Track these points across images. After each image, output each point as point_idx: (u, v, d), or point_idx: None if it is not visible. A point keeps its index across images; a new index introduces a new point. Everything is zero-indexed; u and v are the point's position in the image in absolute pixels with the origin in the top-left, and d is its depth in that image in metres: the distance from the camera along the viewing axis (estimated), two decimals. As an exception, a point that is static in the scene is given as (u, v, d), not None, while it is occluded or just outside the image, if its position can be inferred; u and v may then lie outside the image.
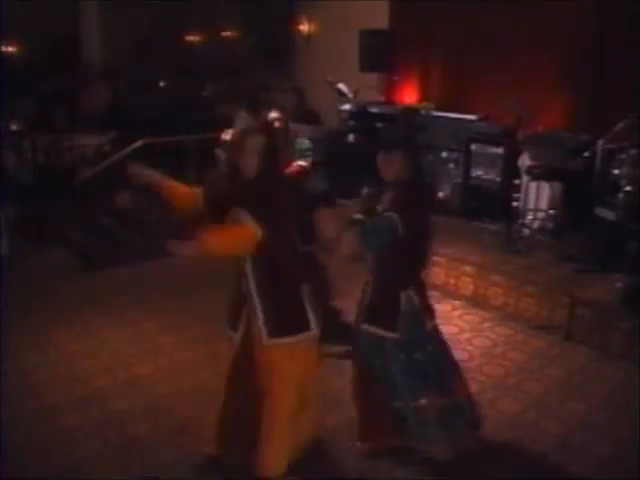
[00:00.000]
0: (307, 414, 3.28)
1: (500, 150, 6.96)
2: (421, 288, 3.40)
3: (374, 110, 8.44)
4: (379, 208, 3.31)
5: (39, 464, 3.46)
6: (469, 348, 4.79)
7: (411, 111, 7.77)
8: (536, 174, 6.16)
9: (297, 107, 8.93)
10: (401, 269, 3.28)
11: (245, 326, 3.10)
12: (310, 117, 8.71)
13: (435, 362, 3.38)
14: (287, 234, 3.04)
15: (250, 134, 3.00)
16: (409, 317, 3.29)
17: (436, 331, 3.49)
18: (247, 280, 3.02)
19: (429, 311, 3.43)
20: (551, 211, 6.28)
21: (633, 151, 5.27)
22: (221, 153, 8.95)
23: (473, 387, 4.22)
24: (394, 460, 3.45)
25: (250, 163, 2.92)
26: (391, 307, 3.28)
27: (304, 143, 4.80)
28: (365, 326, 3.35)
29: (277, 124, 4.69)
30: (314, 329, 3.07)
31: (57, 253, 6.91)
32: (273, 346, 3.00)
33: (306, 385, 3.19)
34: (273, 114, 4.72)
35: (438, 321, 3.56)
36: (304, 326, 3.06)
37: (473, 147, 7.20)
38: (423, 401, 3.31)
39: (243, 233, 2.87)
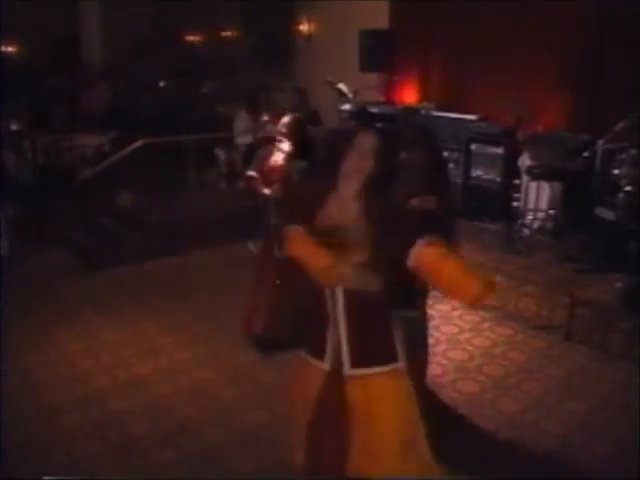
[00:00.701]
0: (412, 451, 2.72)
1: (500, 150, 6.96)
2: None
3: (374, 110, 8.44)
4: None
5: (39, 464, 3.46)
6: (469, 348, 4.79)
7: (411, 111, 7.76)
8: (536, 174, 6.16)
9: (299, 108, 8.93)
10: None
11: (333, 353, 2.67)
12: (312, 118, 8.71)
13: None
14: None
15: (362, 132, 2.56)
16: (421, 295, 3.45)
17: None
18: (335, 301, 2.61)
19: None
20: (551, 211, 6.29)
21: (633, 151, 5.28)
22: (221, 153, 8.99)
23: (473, 387, 4.24)
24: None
25: (361, 166, 2.51)
26: (408, 287, 3.32)
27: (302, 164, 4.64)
28: None
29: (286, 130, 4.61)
30: (401, 362, 2.67)
31: (57, 253, 6.91)
32: (354, 376, 2.64)
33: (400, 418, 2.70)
34: (286, 119, 4.63)
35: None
36: (390, 357, 2.67)
37: (473, 147, 7.20)
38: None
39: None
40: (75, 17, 12.14)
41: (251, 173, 4.74)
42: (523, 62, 7.07)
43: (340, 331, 2.63)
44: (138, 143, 7.00)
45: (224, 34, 12.08)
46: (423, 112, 7.72)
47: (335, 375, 2.67)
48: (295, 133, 4.52)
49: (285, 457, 3.52)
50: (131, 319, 5.31)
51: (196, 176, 8.48)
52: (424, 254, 2.38)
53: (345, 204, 2.55)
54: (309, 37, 10.36)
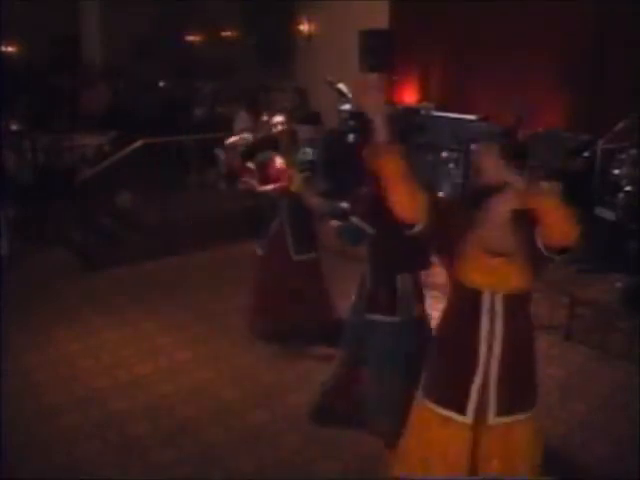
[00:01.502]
0: None
1: (500, 150, 6.95)
2: (416, 273, 3.49)
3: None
4: None
5: (39, 464, 3.46)
6: (469, 348, 4.78)
7: (411, 111, 7.77)
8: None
9: (299, 108, 8.93)
10: (398, 251, 3.28)
11: (477, 405, 2.42)
12: (312, 118, 8.70)
13: (418, 349, 3.27)
14: None
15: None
16: (405, 301, 3.39)
17: (424, 317, 3.57)
18: (492, 341, 2.39)
19: (420, 296, 3.53)
20: (551, 211, 6.28)
21: (633, 151, 5.28)
22: (221, 153, 9.00)
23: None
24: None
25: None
26: (388, 291, 3.37)
27: (307, 154, 4.76)
28: (367, 315, 3.44)
29: (280, 128, 4.67)
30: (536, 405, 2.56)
31: (57, 253, 6.91)
32: (496, 426, 2.44)
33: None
34: (277, 118, 4.68)
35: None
36: (533, 401, 2.53)
37: (473, 147, 7.20)
38: (395, 388, 3.33)
39: None
40: (75, 17, 12.15)
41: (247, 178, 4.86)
42: (523, 62, 7.06)
43: (490, 375, 2.40)
44: (138, 143, 7.01)
45: (224, 34, 12.07)
46: (423, 112, 7.75)
47: (474, 426, 2.45)
48: (290, 127, 4.70)
49: (285, 457, 3.54)
50: (131, 319, 5.31)
51: (196, 176, 8.49)
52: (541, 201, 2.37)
53: (497, 226, 2.47)
54: (309, 37, 10.35)
